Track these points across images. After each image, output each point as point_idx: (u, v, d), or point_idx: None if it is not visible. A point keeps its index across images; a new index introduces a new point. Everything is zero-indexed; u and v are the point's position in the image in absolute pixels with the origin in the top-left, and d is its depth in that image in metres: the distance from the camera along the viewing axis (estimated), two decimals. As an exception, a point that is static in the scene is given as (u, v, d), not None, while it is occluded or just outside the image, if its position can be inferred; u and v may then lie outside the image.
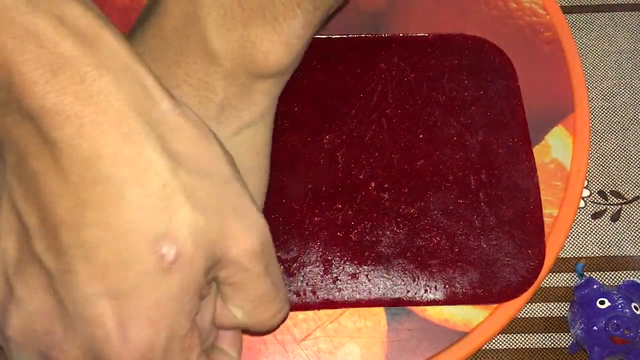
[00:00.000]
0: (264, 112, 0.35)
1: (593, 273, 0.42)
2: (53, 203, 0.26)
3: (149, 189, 0.27)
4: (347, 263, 0.40)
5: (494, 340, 0.41)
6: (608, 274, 0.42)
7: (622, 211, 0.43)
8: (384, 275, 0.40)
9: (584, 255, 0.43)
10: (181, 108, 0.29)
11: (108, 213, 0.26)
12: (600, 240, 0.43)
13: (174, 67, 0.33)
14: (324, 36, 0.45)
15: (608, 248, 0.43)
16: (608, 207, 0.44)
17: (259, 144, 0.36)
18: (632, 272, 0.42)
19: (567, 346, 0.41)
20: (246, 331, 0.34)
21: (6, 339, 0.29)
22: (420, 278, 0.40)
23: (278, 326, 0.33)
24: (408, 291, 0.40)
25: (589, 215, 0.43)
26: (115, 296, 0.27)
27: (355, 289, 0.40)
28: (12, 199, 0.28)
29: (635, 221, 0.43)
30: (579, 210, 0.43)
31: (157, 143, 0.27)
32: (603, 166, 0.45)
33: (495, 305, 0.40)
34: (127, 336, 0.27)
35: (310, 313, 0.39)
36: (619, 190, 0.44)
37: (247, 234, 0.29)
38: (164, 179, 0.27)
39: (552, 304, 0.41)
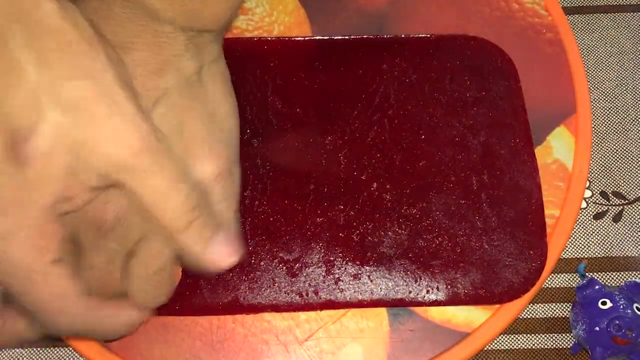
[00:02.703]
0: (220, 54, 0.35)
1: (595, 274, 0.42)
2: None
3: (16, 88, 0.27)
4: (349, 264, 0.40)
5: (496, 341, 0.41)
6: (610, 274, 0.42)
7: (624, 212, 0.43)
8: (386, 275, 0.40)
9: (586, 256, 0.43)
10: (66, 11, 0.28)
11: None
12: (602, 241, 0.43)
13: (126, 23, 0.33)
14: (326, 37, 0.45)
15: (610, 249, 0.43)
16: (610, 207, 0.44)
17: (226, 73, 0.36)
18: (634, 272, 0.42)
19: (569, 347, 0.41)
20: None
21: None
22: (423, 279, 0.40)
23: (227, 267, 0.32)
24: (410, 292, 0.40)
25: (591, 216, 0.43)
26: None
27: (357, 289, 0.40)
28: None
29: (637, 222, 0.43)
30: (580, 211, 0.43)
31: (27, 43, 0.27)
32: (605, 167, 0.44)
33: (497, 306, 0.40)
34: None
35: (312, 314, 0.40)
36: (621, 190, 0.44)
37: (125, 134, 0.28)
38: (30, 81, 0.27)
39: (554, 304, 0.41)
